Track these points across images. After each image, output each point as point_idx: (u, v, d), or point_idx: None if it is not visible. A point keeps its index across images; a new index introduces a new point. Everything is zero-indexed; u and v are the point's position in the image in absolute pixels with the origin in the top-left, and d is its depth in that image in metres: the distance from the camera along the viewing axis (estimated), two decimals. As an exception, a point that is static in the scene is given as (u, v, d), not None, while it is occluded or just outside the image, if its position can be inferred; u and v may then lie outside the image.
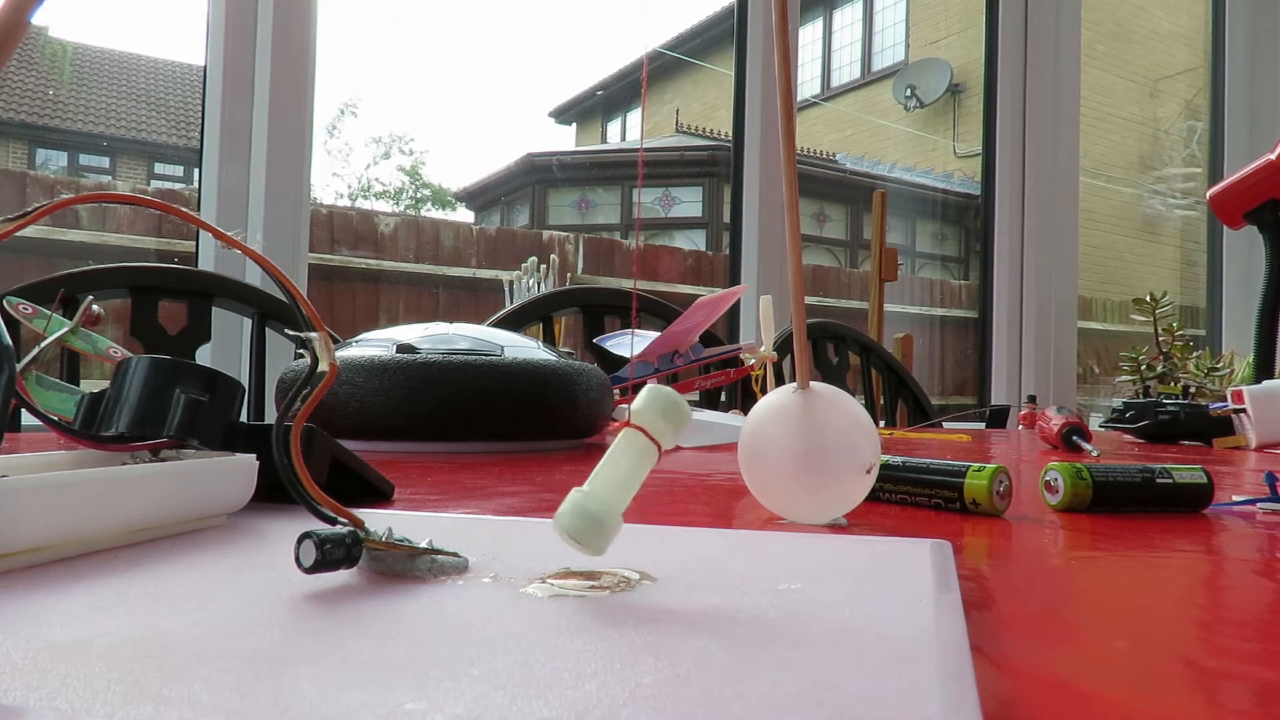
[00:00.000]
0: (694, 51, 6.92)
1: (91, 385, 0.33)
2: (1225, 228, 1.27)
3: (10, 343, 0.24)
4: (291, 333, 0.26)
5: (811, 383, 0.34)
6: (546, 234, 3.44)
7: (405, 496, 0.41)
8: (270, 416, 0.90)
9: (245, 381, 1.12)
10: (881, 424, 1.55)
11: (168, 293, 1.09)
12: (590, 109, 8.56)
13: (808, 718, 0.14)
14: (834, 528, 0.34)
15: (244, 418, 0.33)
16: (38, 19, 0.21)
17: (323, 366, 0.25)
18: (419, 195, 8.57)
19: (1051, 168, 2.57)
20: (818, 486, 0.34)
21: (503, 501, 0.40)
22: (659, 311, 1.39)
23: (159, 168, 4.51)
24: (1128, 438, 1.12)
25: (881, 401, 1.62)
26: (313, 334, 0.25)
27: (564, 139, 8.92)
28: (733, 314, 2.08)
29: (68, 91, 4.07)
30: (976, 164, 2.85)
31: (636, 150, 6.91)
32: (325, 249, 2.73)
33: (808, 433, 0.33)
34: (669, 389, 0.25)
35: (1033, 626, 0.22)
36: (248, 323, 1.15)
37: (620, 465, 0.23)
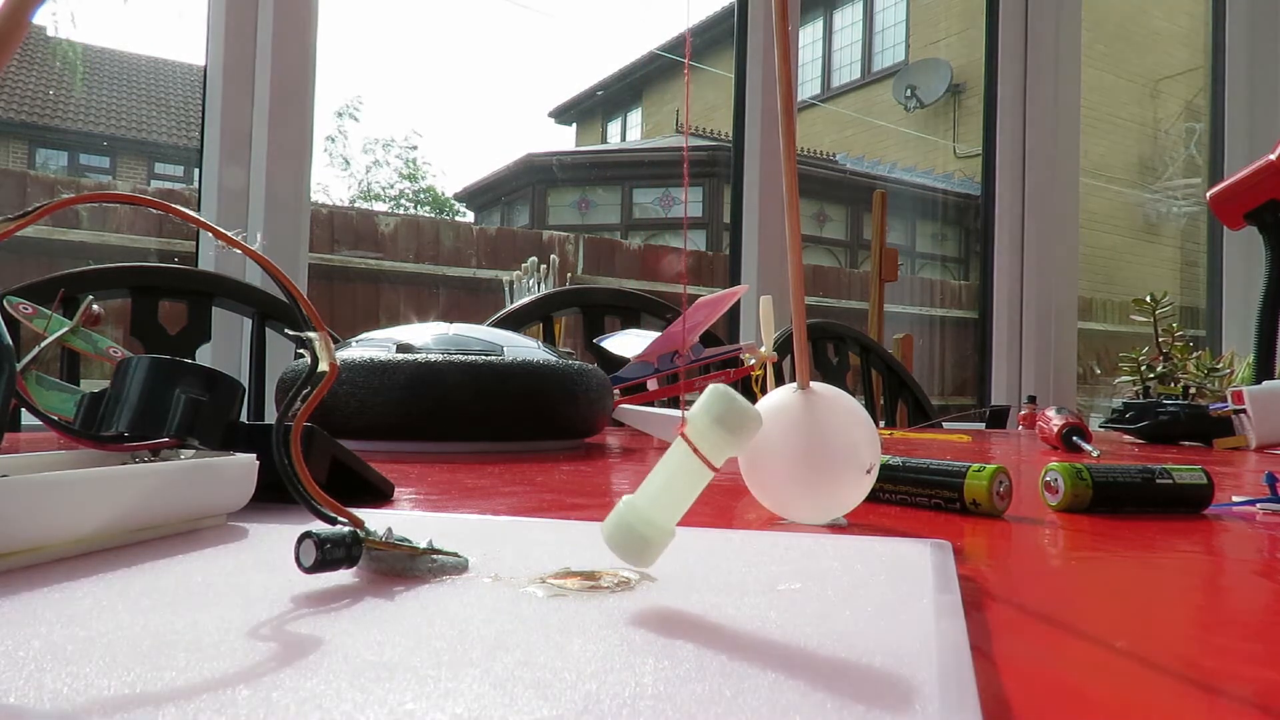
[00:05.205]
0: (693, 52, 6.92)
1: (91, 385, 0.33)
2: (1225, 228, 1.27)
3: (10, 343, 0.24)
4: (291, 333, 0.26)
5: (811, 383, 0.34)
6: (546, 234, 3.44)
7: (405, 496, 0.41)
8: (270, 416, 0.90)
9: (245, 381, 1.12)
10: (881, 424, 1.55)
11: (168, 293, 1.09)
12: (590, 109, 8.56)
13: (808, 718, 0.14)
14: (834, 528, 0.34)
15: (244, 418, 0.33)
16: (38, 19, 0.21)
17: (323, 366, 0.25)
18: (418, 199, 8.58)
19: (1051, 168, 2.57)
20: (818, 486, 0.34)
21: (503, 501, 0.40)
22: (659, 311, 1.39)
23: (159, 167, 4.52)
24: (1128, 438, 1.12)
25: (881, 401, 1.62)
26: (313, 334, 0.25)
27: (564, 139, 8.93)
28: (733, 314, 2.08)
29: (68, 91, 4.07)
30: (976, 164, 2.85)
31: (636, 150, 6.91)
32: (325, 249, 2.73)
33: (808, 433, 0.33)
34: (730, 393, 0.23)
35: (1033, 626, 0.22)
36: (248, 323, 1.15)
37: (671, 476, 0.23)
